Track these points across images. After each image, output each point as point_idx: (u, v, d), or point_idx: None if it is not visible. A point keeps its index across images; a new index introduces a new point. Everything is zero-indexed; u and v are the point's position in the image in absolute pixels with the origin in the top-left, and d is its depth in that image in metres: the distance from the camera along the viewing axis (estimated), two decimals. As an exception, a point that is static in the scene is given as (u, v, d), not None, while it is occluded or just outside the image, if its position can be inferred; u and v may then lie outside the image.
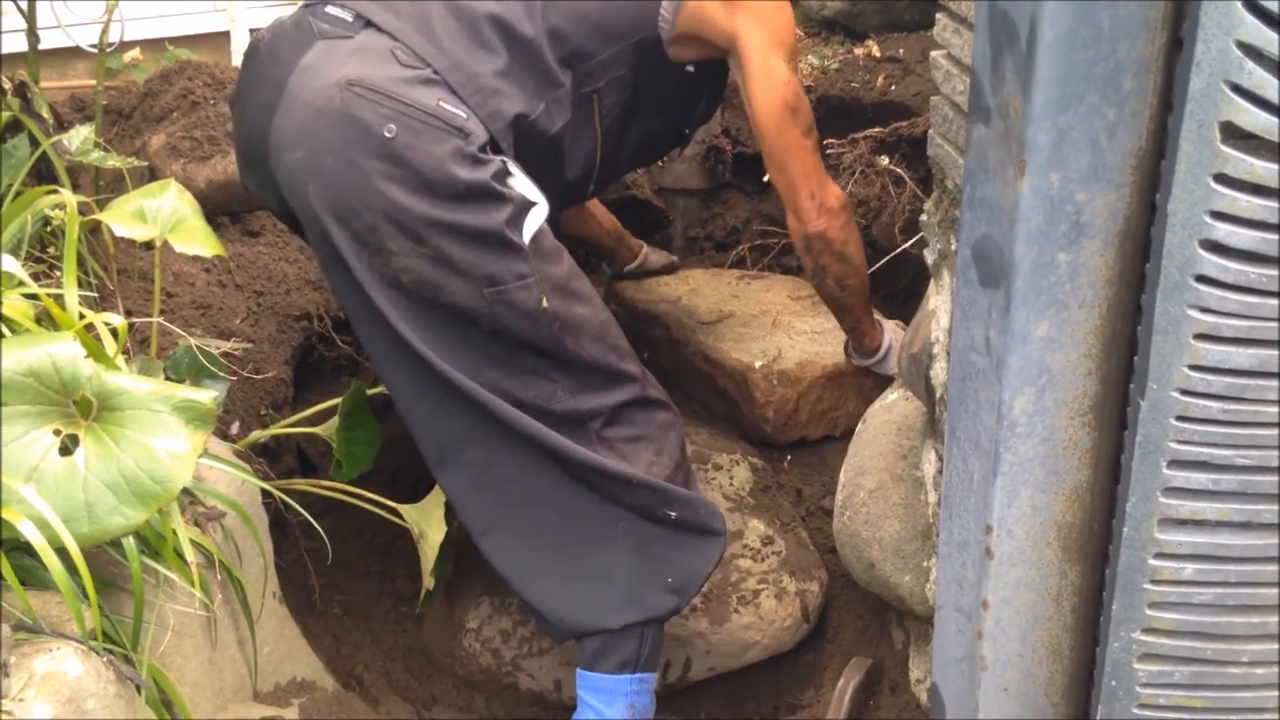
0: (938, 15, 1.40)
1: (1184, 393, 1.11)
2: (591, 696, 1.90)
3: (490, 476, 1.85)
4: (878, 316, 2.31)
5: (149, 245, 1.90)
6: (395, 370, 1.83)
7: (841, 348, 2.39)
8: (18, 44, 2.24)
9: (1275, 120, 1.00)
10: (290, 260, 2.43)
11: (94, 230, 2.05)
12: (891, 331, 2.31)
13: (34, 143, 2.06)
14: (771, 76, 1.99)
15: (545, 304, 1.77)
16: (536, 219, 1.80)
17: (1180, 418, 1.12)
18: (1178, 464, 1.14)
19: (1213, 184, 1.04)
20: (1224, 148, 1.02)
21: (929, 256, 1.56)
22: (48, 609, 1.38)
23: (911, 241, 2.32)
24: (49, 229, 1.94)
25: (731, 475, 2.32)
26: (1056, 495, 1.25)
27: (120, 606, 1.51)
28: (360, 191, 1.70)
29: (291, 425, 2.13)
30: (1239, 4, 0.98)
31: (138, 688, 1.43)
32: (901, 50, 2.69)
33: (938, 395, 1.58)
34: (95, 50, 2.29)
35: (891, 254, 2.39)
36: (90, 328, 1.60)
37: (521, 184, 1.80)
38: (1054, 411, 1.21)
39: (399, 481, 2.35)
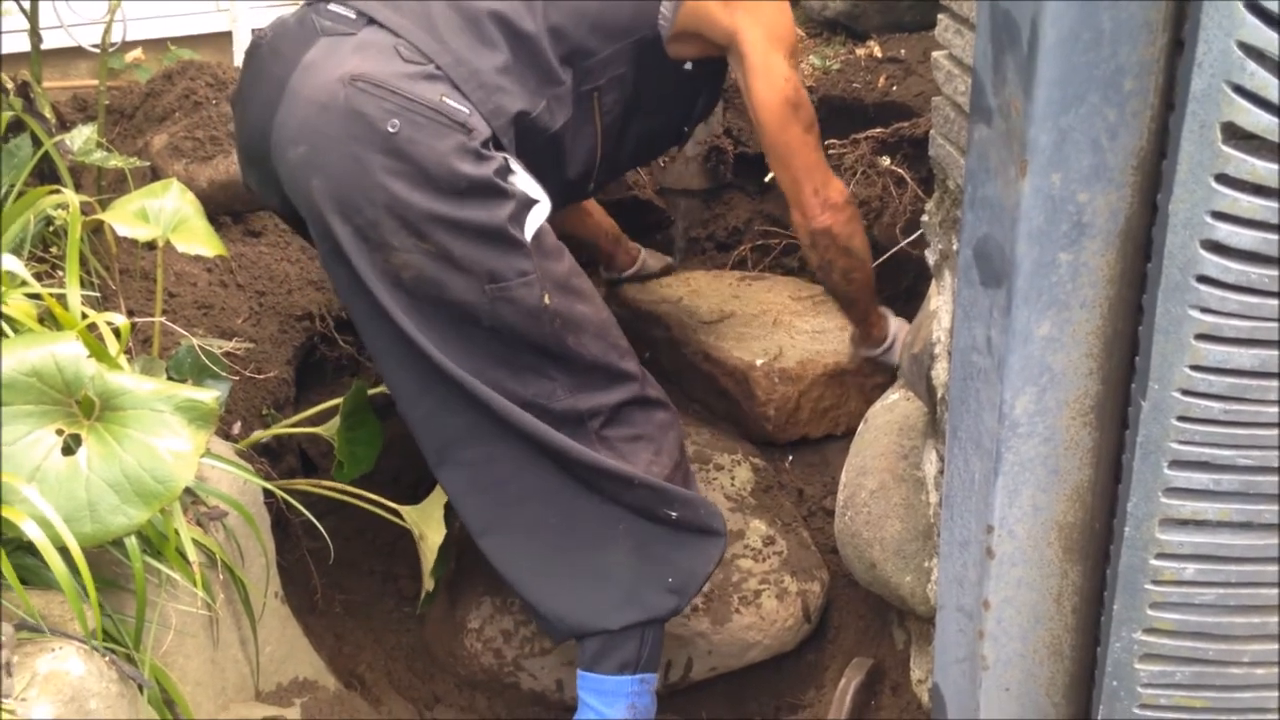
0: (939, 16, 1.41)
1: (1185, 393, 1.11)
2: (592, 697, 1.90)
3: (489, 475, 1.85)
4: (881, 306, 2.31)
5: (151, 245, 1.90)
6: (397, 368, 1.82)
7: (844, 346, 2.39)
8: (20, 44, 2.25)
9: (1276, 121, 1.00)
10: (292, 260, 2.43)
11: (96, 230, 2.05)
12: (895, 321, 2.32)
13: (36, 142, 2.06)
14: (772, 73, 1.99)
15: (547, 301, 1.77)
16: (538, 216, 1.80)
17: (1181, 418, 1.12)
18: (1179, 464, 1.14)
19: (1214, 184, 1.04)
20: (1225, 148, 1.02)
21: (930, 257, 1.56)
22: (50, 609, 1.38)
23: (911, 239, 2.32)
24: (51, 229, 1.94)
25: (733, 475, 2.32)
26: (1058, 495, 1.25)
27: (122, 606, 1.51)
28: (363, 186, 1.70)
29: (293, 425, 2.13)
30: (1240, 5, 0.98)
31: (140, 687, 1.43)
32: (903, 51, 2.69)
33: (939, 395, 1.58)
34: (97, 50, 2.30)
35: (890, 251, 2.39)
36: (93, 327, 1.60)
37: (523, 181, 1.80)
38: (1055, 411, 1.21)
39: (400, 482, 2.35)
